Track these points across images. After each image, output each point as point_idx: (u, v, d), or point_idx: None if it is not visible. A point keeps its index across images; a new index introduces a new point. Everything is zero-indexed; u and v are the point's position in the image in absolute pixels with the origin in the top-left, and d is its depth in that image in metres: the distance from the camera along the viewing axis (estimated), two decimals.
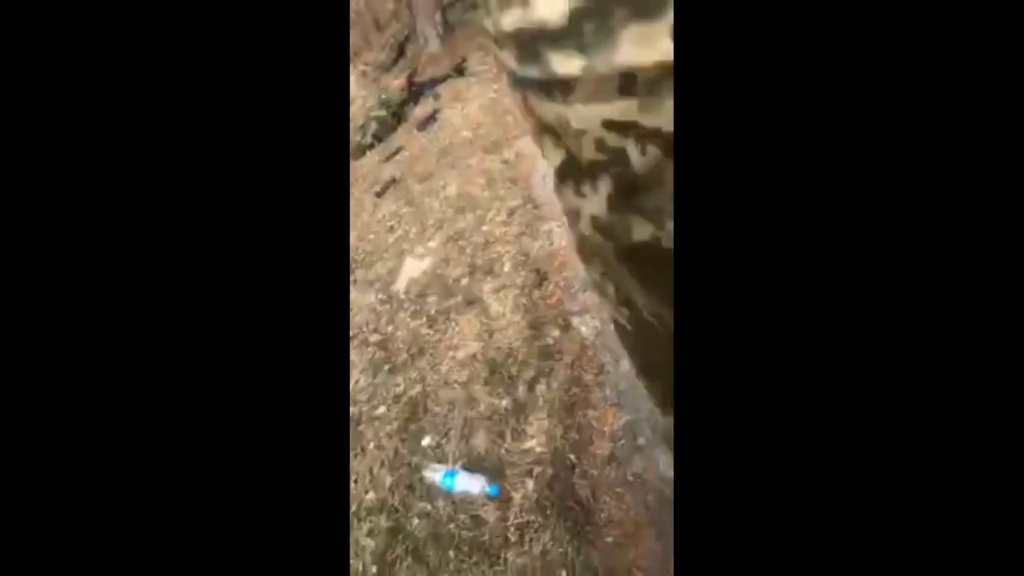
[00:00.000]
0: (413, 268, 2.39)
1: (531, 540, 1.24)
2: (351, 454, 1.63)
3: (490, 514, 1.33)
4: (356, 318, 2.19)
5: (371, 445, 1.65)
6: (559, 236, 2.04)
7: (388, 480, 1.53)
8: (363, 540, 1.41)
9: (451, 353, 1.80)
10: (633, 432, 1.37)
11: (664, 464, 1.27)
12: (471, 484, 1.37)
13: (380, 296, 2.28)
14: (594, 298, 1.76)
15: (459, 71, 4.06)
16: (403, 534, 1.38)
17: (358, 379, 1.90)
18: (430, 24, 4.64)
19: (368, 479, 1.55)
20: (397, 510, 1.44)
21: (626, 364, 1.51)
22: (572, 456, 1.38)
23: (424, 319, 2.01)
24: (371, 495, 1.52)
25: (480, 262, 2.12)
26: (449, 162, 2.97)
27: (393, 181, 3.15)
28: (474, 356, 1.74)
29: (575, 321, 1.71)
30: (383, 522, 1.43)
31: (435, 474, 1.43)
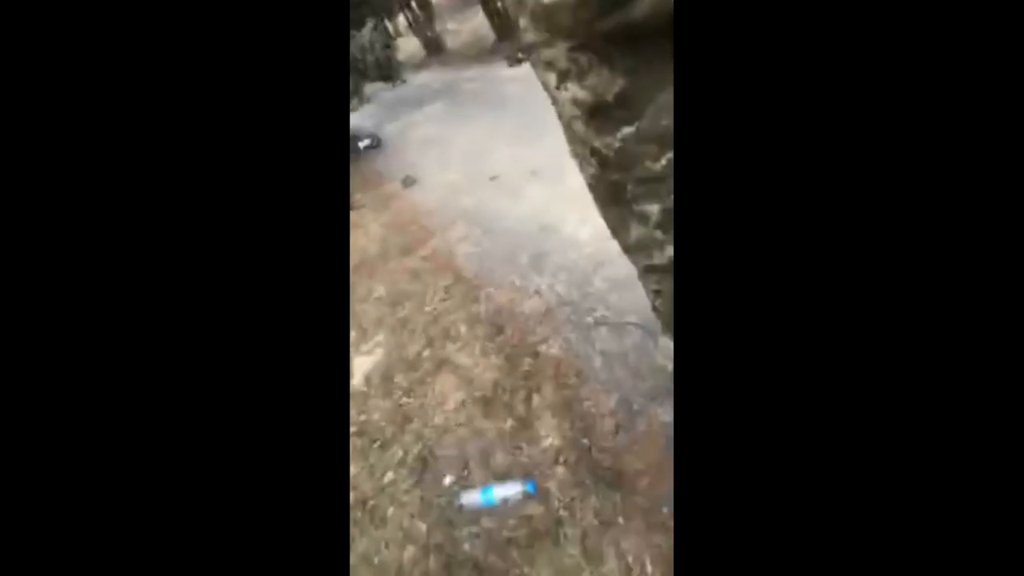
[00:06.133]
0: (364, 364, 2.50)
1: (580, 509, 1.39)
2: (367, 529, 1.66)
3: (534, 508, 1.45)
4: None
5: (390, 511, 1.69)
6: (498, 295, 2.33)
7: (423, 527, 1.58)
8: None
9: (440, 407, 1.94)
10: (627, 402, 1.61)
11: (665, 414, 1.52)
12: (508, 490, 1.49)
13: None
14: (553, 323, 2.04)
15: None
16: (459, 561, 1.44)
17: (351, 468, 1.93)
18: None
19: (401, 536, 1.59)
20: (443, 547, 1.50)
21: (599, 361, 1.78)
22: (585, 440, 1.57)
23: (399, 394, 2.12)
24: (411, 549, 1.55)
25: (435, 333, 2.32)
26: (367, 272, 3.18)
27: None
28: (463, 402, 1.90)
29: (542, 348, 1.96)
30: (432, 564, 1.47)
31: (473, 496, 1.53)
